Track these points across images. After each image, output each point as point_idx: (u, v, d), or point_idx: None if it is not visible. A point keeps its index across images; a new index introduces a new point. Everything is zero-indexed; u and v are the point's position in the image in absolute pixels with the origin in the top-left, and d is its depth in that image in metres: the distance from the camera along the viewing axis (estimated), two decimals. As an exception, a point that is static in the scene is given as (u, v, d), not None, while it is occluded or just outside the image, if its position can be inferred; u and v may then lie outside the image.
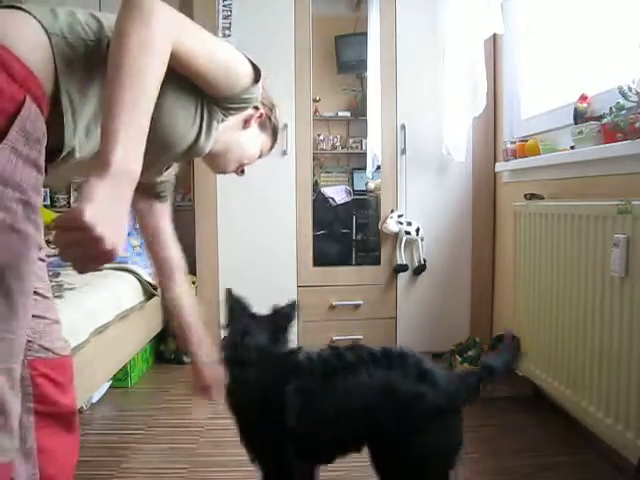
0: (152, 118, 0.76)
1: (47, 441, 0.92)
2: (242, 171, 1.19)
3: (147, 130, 0.74)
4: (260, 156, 1.21)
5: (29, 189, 0.72)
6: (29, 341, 0.86)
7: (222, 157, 1.13)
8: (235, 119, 1.06)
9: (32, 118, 0.72)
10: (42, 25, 0.76)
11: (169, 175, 1.20)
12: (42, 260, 0.96)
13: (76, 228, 0.63)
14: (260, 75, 0.97)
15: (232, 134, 1.10)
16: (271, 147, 1.23)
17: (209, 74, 0.88)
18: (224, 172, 1.18)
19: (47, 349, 0.94)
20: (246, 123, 1.11)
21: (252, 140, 1.15)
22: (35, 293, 0.87)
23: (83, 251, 0.65)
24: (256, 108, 1.10)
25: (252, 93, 0.98)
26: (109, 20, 0.83)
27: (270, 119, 1.17)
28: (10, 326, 0.72)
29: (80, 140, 0.82)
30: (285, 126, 2.54)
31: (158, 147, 0.89)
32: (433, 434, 1.07)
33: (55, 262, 1.62)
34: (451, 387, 1.10)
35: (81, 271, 0.68)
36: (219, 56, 0.89)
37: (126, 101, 0.71)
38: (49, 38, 0.76)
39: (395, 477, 1.10)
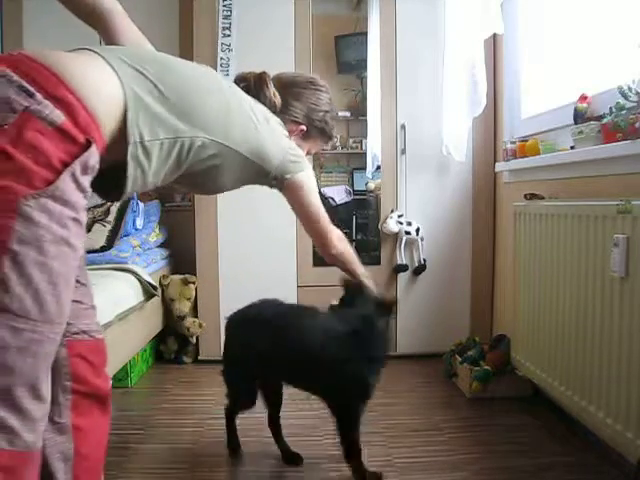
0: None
1: (82, 421, 0.98)
2: None
3: None
4: (311, 153, 1.42)
5: (80, 209, 0.85)
6: (68, 323, 0.92)
7: None
8: None
9: (91, 157, 0.85)
10: (118, 76, 0.90)
11: None
12: None
13: None
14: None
15: None
16: (325, 143, 1.44)
17: None
18: None
19: (84, 332, 1.02)
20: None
21: None
22: (75, 281, 0.95)
23: None
24: (297, 123, 1.32)
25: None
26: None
27: (314, 126, 1.36)
28: (57, 328, 0.83)
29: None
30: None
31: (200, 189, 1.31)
32: None
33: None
34: None
35: None
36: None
37: None
38: (124, 91, 0.90)
39: None
